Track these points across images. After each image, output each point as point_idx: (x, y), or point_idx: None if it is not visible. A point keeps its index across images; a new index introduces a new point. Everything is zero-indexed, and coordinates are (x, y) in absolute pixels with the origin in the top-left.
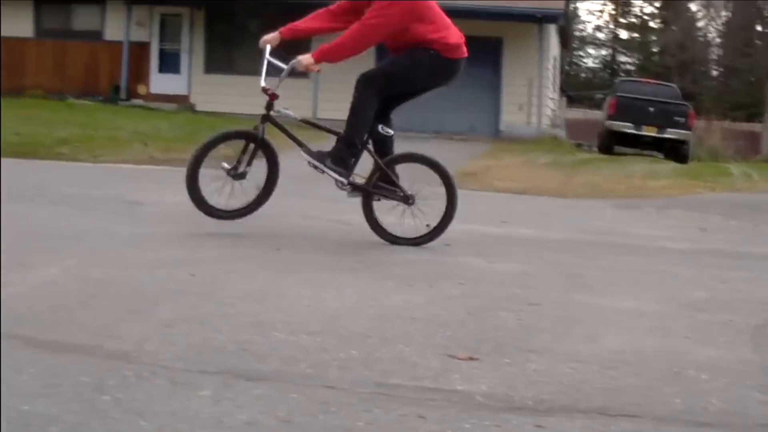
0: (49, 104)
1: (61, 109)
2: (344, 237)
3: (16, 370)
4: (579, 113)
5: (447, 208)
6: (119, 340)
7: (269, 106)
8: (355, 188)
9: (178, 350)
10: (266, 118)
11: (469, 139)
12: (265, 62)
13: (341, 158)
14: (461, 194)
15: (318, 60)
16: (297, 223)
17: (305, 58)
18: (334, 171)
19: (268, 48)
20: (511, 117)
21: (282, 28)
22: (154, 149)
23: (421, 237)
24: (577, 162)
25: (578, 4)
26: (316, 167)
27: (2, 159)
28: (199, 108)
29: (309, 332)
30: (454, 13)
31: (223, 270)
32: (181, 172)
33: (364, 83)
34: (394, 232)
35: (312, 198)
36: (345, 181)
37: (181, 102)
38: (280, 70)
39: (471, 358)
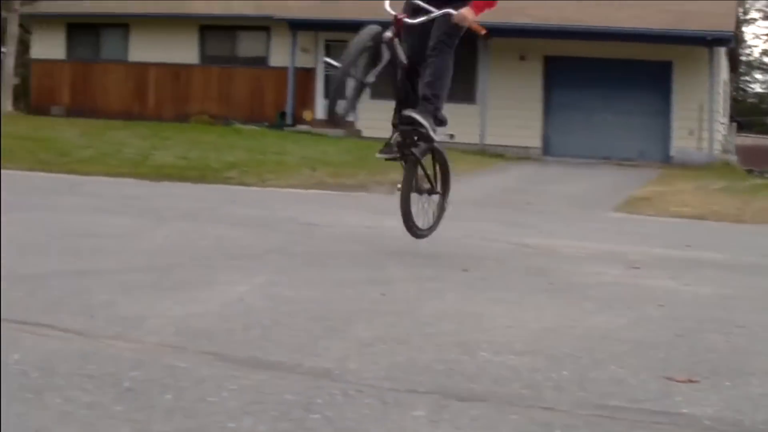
0: (216, 129)
1: (228, 135)
2: (528, 259)
3: (217, 387)
4: (748, 139)
5: (441, 199)
6: (319, 358)
7: (397, 34)
8: (404, 155)
9: (382, 369)
10: (390, 42)
11: (638, 165)
12: None
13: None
14: (637, 219)
15: (478, 13)
16: (478, 245)
17: (469, 12)
18: (434, 130)
19: None
20: (681, 142)
21: None
22: (322, 174)
23: (429, 229)
24: (751, 188)
25: (744, 28)
26: (419, 123)
27: (171, 182)
28: (365, 134)
29: (516, 352)
30: (622, 36)
31: (414, 290)
32: (353, 197)
33: (450, 46)
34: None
35: (488, 221)
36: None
37: (347, 128)
38: (419, 9)
39: (690, 381)
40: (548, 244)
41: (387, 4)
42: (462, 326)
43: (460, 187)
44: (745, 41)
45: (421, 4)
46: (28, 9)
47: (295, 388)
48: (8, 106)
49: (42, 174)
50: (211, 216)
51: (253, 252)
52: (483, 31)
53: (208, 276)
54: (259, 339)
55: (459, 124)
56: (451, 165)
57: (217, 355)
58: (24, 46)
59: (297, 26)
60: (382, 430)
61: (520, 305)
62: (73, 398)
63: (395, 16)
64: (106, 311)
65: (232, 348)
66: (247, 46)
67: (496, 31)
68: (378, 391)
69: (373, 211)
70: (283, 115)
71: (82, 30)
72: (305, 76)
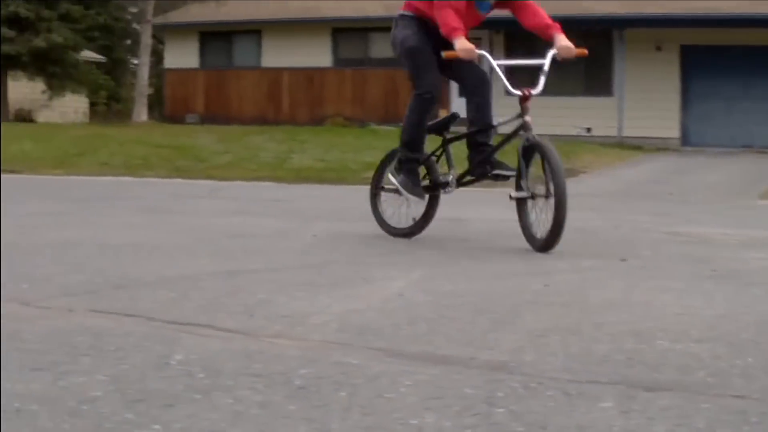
0: (351, 131)
1: (364, 136)
2: (684, 247)
3: (392, 383)
4: None
5: None
6: (492, 350)
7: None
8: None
9: (559, 361)
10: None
11: None
12: (498, 69)
13: None
14: None
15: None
16: (631, 235)
17: (567, 43)
18: None
19: (487, 54)
20: None
21: (460, 32)
22: (461, 169)
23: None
24: None
25: None
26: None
27: (310, 184)
28: (501, 131)
29: (694, 340)
30: (760, 22)
31: (576, 280)
32: (493, 192)
33: None
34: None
35: (635, 212)
36: None
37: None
38: (534, 67)
39: None
40: (700, 232)
41: (509, 87)
42: (632, 315)
43: (602, 180)
44: None
45: (516, 62)
46: (160, 20)
47: (473, 382)
48: (143, 115)
49: (180, 180)
50: (355, 215)
51: (404, 248)
52: (586, 52)
53: (363, 272)
54: (426, 333)
55: (596, 117)
56: None
57: (386, 350)
58: (157, 56)
59: None
60: (571, 423)
61: (688, 293)
62: (243, 398)
63: (522, 94)
64: (264, 310)
65: (399, 343)
66: (380, 47)
67: (630, 22)
68: (559, 383)
69: (514, 207)
70: None
71: (215, 38)
72: None
